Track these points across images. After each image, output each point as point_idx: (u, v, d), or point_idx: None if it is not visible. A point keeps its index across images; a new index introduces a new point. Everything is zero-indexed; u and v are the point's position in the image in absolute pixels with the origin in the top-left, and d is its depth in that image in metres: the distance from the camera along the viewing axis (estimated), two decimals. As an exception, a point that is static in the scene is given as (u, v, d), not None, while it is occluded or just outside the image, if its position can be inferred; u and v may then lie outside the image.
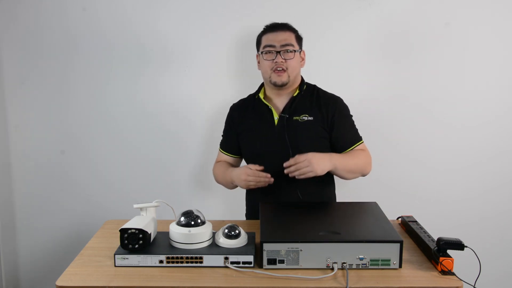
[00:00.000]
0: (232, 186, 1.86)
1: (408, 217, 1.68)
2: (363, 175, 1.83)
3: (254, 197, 1.88)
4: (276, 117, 1.81)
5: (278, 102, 1.83)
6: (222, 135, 1.97)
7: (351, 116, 1.86)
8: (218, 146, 1.99)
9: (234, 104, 1.95)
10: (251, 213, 1.94)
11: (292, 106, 1.79)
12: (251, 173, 1.68)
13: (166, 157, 2.34)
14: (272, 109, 1.81)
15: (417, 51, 2.22)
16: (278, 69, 1.74)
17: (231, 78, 2.25)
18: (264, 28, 1.83)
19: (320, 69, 2.21)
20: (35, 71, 2.26)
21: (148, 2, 2.20)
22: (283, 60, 1.74)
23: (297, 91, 1.81)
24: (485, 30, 2.20)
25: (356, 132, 1.85)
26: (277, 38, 1.76)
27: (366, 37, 2.22)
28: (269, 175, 1.67)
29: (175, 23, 2.21)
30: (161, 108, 2.29)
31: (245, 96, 1.96)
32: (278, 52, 1.74)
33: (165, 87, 2.27)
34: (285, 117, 1.78)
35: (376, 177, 2.29)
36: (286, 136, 1.75)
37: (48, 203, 2.37)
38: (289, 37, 1.77)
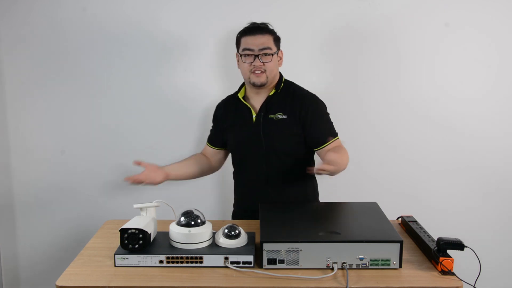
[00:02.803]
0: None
1: (408, 217, 1.68)
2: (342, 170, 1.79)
3: (238, 196, 2.01)
4: (254, 115, 1.86)
5: (256, 101, 1.89)
6: (210, 130, 2.04)
7: (327, 113, 1.87)
8: None
9: (219, 103, 2.02)
10: (236, 216, 2.03)
11: (268, 105, 1.85)
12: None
13: (166, 157, 2.33)
14: (251, 108, 1.87)
15: (417, 51, 2.22)
16: (257, 71, 1.80)
17: (234, 78, 2.25)
18: (243, 30, 1.85)
19: (319, 70, 2.21)
20: (35, 71, 2.26)
21: (148, 1, 2.19)
22: (262, 63, 1.79)
23: (273, 90, 1.86)
24: (484, 30, 2.20)
25: (331, 128, 1.86)
26: (256, 42, 1.79)
27: (365, 37, 2.21)
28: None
29: (176, 22, 2.21)
30: (161, 108, 2.29)
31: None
32: (256, 56, 1.79)
33: (165, 87, 2.27)
34: (261, 115, 1.84)
35: (376, 177, 2.30)
36: (262, 134, 1.82)
37: (48, 203, 2.37)
38: (267, 41, 1.80)
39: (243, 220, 1.78)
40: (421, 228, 1.56)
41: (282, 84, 1.88)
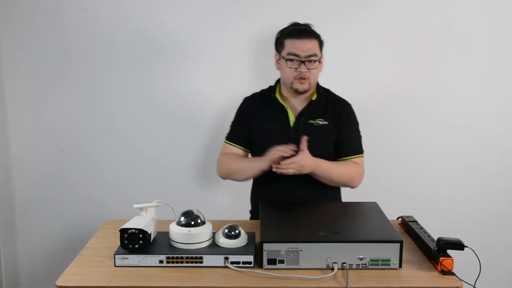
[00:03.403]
0: (251, 171, 1.79)
1: (408, 217, 1.68)
2: (350, 187, 1.83)
3: (260, 193, 1.90)
4: (291, 118, 1.81)
5: (295, 103, 1.83)
6: (231, 127, 1.93)
7: (359, 128, 1.87)
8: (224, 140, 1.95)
9: (247, 97, 1.93)
10: (256, 210, 1.92)
11: (309, 110, 1.80)
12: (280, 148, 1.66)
13: (166, 157, 2.34)
14: (289, 110, 1.81)
15: (417, 51, 2.22)
16: (301, 78, 1.74)
17: (234, 77, 2.25)
18: (289, 31, 1.77)
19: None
20: (35, 71, 2.25)
21: (148, 2, 2.19)
22: (307, 70, 1.73)
23: (315, 95, 1.82)
24: (485, 30, 2.20)
25: (359, 144, 1.86)
26: (303, 48, 1.72)
27: (365, 37, 2.22)
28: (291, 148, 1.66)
29: (176, 22, 2.21)
30: (161, 108, 2.28)
31: (245, 94, 1.95)
32: (302, 62, 1.72)
33: (165, 87, 2.27)
34: (301, 120, 1.79)
35: (376, 177, 2.30)
36: (301, 139, 1.73)
37: (48, 203, 2.37)
38: (314, 46, 1.74)
39: (243, 220, 1.78)
40: (421, 228, 1.56)
41: (321, 89, 1.85)
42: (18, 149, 2.33)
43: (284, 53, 1.76)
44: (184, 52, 2.24)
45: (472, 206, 2.35)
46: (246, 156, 1.91)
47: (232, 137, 1.90)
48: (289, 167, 1.65)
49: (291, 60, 1.74)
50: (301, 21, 1.89)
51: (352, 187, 1.83)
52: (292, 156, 1.65)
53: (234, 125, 1.92)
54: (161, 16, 2.21)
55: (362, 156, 1.84)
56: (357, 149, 1.84)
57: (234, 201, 2.34)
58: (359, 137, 1.87)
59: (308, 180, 1.75)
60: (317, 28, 1.90)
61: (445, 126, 2.29)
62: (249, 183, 1.95)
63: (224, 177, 1.90)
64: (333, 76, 2.23)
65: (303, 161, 1.66)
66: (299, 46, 1.72)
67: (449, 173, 2.32)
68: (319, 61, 1.76)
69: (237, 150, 1.88)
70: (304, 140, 1.67)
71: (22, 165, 2.34)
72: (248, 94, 1.95)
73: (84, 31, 2.22)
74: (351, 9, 2.19)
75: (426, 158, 2.31)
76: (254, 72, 2.24)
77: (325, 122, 1.80)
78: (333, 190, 1.87)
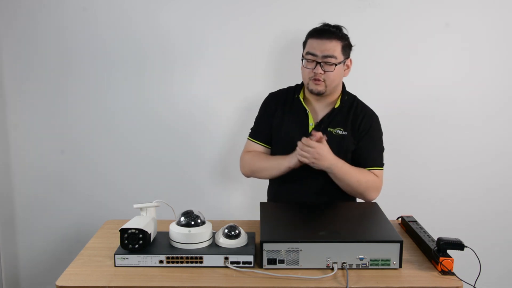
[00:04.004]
0: (277, 169, 1.75)
1: (408, 217, 1.68)
2: (364, 198, 1.76)
3: (277, 190, 1.87)
4: (311, 123, 1.77)
5: (317, 108, 1.79)
6: (254, 123, 1.89)
7: (382, 141, 1.82)
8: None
9: (272, 93, 1.89)
10: None
11: (330, 118, 1.76)
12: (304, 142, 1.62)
13: (166, 157, 2.33)
14: (309, 114, 1.78)
15: (417, 52, 2.22)
16: (316, 80, 1.70)
17: (233, 77, 2.25)
18: (312, 30, 1.74)
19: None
20: (35, 71, 2.25)
21: (148, 2, 2.19)
22: (322, 72, 1.68)
23: (339, 103, 1.77)
24: (485, 30, 2.20)
25: (380, 157, 1.80)
26: (321, 48, 1.67)
27: (365, 37, 2.21)
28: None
29: (177, 23, 2.21)
30: (160, 107, 2.28)
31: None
32: (318, 63, 1.68)
33: (164, 86, 2.27)
34: (321, 127, 1.74)
35: (376, 177, 2.30)
36: None
37: (48, 203, 2.36)
38: (334, 48, 1.68)
39: (243, 220, 1.78)
40: (421, 228, 1.56)
41: (346, 96, 1.79)
42: (18, 149, 2.33)
43: (304, 52, 1.74)
44: (185, 52, 2.24)
45: (472, 206, 2.35)
46: (268, 153, 1.87)
47: (255, 134, 1.87)
48: (306, 151, 1.60)
49: (309, 60, 1.71)
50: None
51: (367, 198, 1.75)
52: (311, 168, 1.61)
53: (257, 121, 1.89)
54: (161, 16, 2.21)
55: (381, 170, 1.78)
56: (377, 162, 1.77)
57: (234, 201, 2.34)
58: (381, 149, 1.81)
59: (324, 187, 1.71)
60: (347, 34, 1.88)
61: (445, 126, 2.28)
62: (252, 183, 1.94)
63: (248, 175, 1.87)
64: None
65: (321, 150, 1.60)
66: (317, 46, 1.69)
67: (449, 173, 2.32)
68: (338, 64, 1.69)
69: (260, 147, 1.85)
70: (321, 136, 1.62)
71: (22, 165, 2.34)
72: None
73: (84, 31, 2.22)
74: (351, 9, 2.19)
75: (426, 158, 2.31)
76: (254, 73, 2.23)
77: (344, 133, 1.74)
78: (349, 199, 1.81)
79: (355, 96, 1.84)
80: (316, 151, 1.61)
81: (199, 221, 1.42)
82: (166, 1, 2.19)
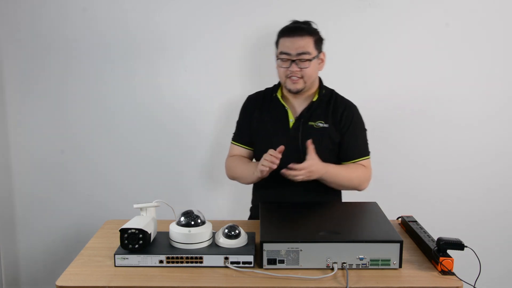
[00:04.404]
0: (250, 178, 1.77)
1: (408, 217, 1.68)
2: (357, 190, 1.81)
3: (260, 199, 1.87)
4: (291, 119, 1.78)
5: (296, 104, 1.80)
6: (236, 126, 1.92)
7: (365, 129, 1.84)
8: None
9: (250, 95, 1.91)
10: (256, 211, 1.91)
11: (309, 111, 1.77)
12: (267, 156, 1.62)
13: (166, 157, 2.34)
14: (289, 110, 1.79)
15: (417, 51, 2.22)
16: (293, 77, 1.70)
17: (232, 77, 2.25)
18: (282, 29, 1.74)
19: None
20: (35, 70, 2.25)
21: (148, 1, 2.19)
22: (299, 69, 1.69)
23: (316, 96, 1.78)
24: (485, 30, 2.20)
25: (366, 146, 1.83)
26: (293, 46, 1.68)
27: (365, 37, 2.22)
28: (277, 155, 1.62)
29: (176, 22, 2.21)
30: (161, 108, 2.28)
31: (243, 94, 1.95)
32: (293, 61, 1.68)
33: (164, 87, 2.27)
34: (301, 121, 1.76)
35: (376, 177, 2.29)
36: (300, 140, 1.73)
37: (48, 203, 2.37)
38: (307, 44, 1.69)
39: (243, 220, 1.78)
40: (421, 228, 1.56)
41: (324, 90, 1.80)
42: (18, 149, 2.33)
43: (278, 52, 1.75)
44: (185, 52, 2.24)
45: (472, 206, 2.35)
46: (251, 156, 1.89)
47: (237, 138, 1.90)
48: (299, 174, 1.60)
49: (283, 59, 1.71)
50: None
51: (360, 190, 1.80)
52: (297, 163, 1.60)
53: (238, 124, 1.91)
54: (161, 15, 2.21)
55: (368, 158, 1.82)
56: (363, 152, 1.81)
57: (234, 201, 2.34)
58: (365, 139, 1.83)
59: (309, 186, 1.71)
60: (316, 29, 1.88)
61: (445, 126, 2.28)
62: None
63: (232, 179, 1.90)
64: (332, 76, 2.23)
65: (312, 167, 1.62)
66: (290, 44, 1.69)
67: (449, 173, 2.32)
68: (313, 59, 1.70)
69: (242, 150, 1.88)
70: (310, 145, 1.64)
71: (22, 165, 2.34)
72: (248, 93, 1.95)
73: (84, 31, 2.22)
74: (351, 9, 2.19)
75: (426, 158, 2.31)
76: (253, 73, 2.24)
77: (325, 125, 1.76)
78: (334, 195, 1.85)
79: (333, 90, 1.85)
80: (307, 170, 1.61)
81: (199, 221, 1.42)
82: (165, 2, 2.19)
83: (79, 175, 2.35)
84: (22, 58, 2.24)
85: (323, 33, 1.79)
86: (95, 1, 2.19)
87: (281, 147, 1.62)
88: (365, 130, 1.84)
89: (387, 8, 2.19)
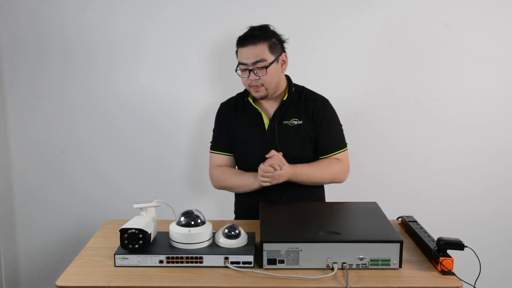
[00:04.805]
0: (249, 189, 1.79)
1: (408, 217, 1.68)
2: (337, 183, 1.83)
3: (239, 196, 1.92)
4: (266, 121, 1.79)
5: (267, 106, 1.82)
6: (213, 135, 1.93)
7: (339, 122, 1.85)
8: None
9: (223, 103, 1.92)
10: (238, 213, 1.97)
11: (281, 111, 1.78)
12: (262, 173, 1.66)
13: (167, 157, 2.34)
14: (262, 113, 1.80)
15: (417, 51, 2.22)
16: (254, 85, 1.72)
17: (233, 77, 2.25)
18: (238, 38, 1.74)
19: (319, 70, 2.21)
20: (35, 70, 2.25)
21: (148, 1, 2.19)
22: (258, 78, 1.69)
23: (286, 95, 1.79)
24: (485, 30, 2.20)
25: (341, 139, 1.83)
26: (248, 55, 1.68)
27: (365, 37, 2.22)
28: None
29: (175, 23, 2.21)
30: (161, 109, 2.28)
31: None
32: (251, 70, 1.69)
33: (164, 88, 2.27)
34: (275, 122, 1.77)
35: (376, 177, 2.30)
36: (277, 141, 1.75)
37: (48, 203, 2.37)
38: (260, 51, 1.67)
39: (243, 220, 1.78)
40: (421, 228, 1.56)
41: (293, 88, 1.81)
42: (18, 149, 2.33)
43: (238, 62, 1.75)
44: (184, 52, 2.24)
45: (472, 206, 2.35)
46: (232, 161, 1.90)
47: (215, 146, 1.90)
48: (266, 177, 1.65)
49: (242, 69, 1.73)
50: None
51: (339, 182, 1.83)
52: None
53: (214, 132, 1.92)
54: (160, 16, 2.21)
55: (345, 150, 1.82)
56: (339, 144, 1.81)
57: (234, 201, 2.34)
58: (340, 131, 1.84)
59: (286, 182, 1.72)
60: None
61: (445, 126, 2.28)
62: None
63: (219, 189, 1.92)
64: (332, 76, 2.24)
65: (276, 173, 1.65)
66: (245, 54, 1.69)
67: (449, 173, 2.32)
68: (270, 65, 1.68)
69: (224, 157, 1.89)
70: (273, 154, 1.67)
71: (22, 164, 2.34)
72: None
73: (84, 30, 2.22)
74: (351, 9, 2.19)
75: (426, 158, 2.31)
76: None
77: (300, 122, 1.77)
78: (315, 189, 1.85)
79: (303, 87, 1.85)
80: (273, 174, 1.65)
81: (199, 221, 1.42)
82: (165, 2, 2.19)
83: (79, 175, 2.35)
84: (22, 58, 2.24)
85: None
86: (95, 1, 2.19)
87: (271, 153, 1.67)
88: (339, 123, 1.85)
89: (387, 8, 2.19)
